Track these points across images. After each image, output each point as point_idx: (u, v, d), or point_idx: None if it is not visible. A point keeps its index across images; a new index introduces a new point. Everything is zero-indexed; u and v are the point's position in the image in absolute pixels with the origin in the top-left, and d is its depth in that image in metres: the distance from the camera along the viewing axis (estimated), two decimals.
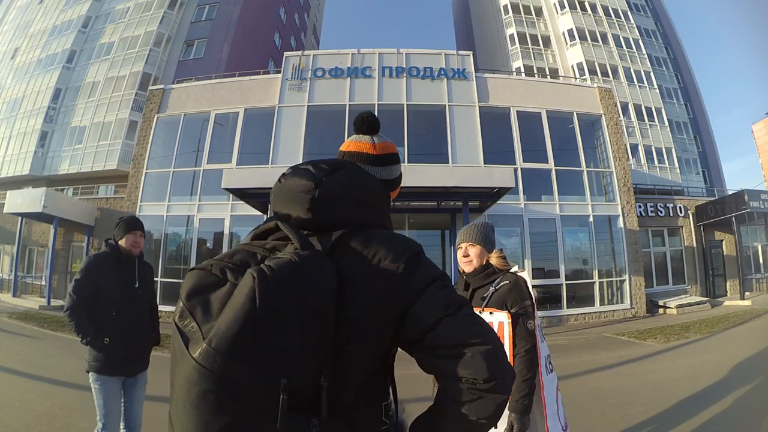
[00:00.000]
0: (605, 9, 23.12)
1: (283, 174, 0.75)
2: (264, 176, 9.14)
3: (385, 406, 0.70)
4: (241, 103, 11.71)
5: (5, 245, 14.45)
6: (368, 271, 0.64)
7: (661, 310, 10.93)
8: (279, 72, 11.97)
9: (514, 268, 1.84)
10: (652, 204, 12.87)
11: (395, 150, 0.93)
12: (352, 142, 0.90)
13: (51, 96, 19.42)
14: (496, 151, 11.18)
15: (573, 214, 11.00)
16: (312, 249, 0.64)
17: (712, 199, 14.03)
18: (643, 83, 21.28)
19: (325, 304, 0.59)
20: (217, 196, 10.63)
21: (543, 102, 11.69)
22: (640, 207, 12.25)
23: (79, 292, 2.18)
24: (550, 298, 10.20)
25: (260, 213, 9.93)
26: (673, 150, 20.17)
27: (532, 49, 23.21)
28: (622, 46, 22.09)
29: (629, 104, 20.36)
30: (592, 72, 20.94)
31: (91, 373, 2.18)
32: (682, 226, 13.12)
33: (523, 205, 10.54)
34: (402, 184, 0.97)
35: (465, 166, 10.44)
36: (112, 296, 2.23)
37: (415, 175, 8.07)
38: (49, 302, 11.21)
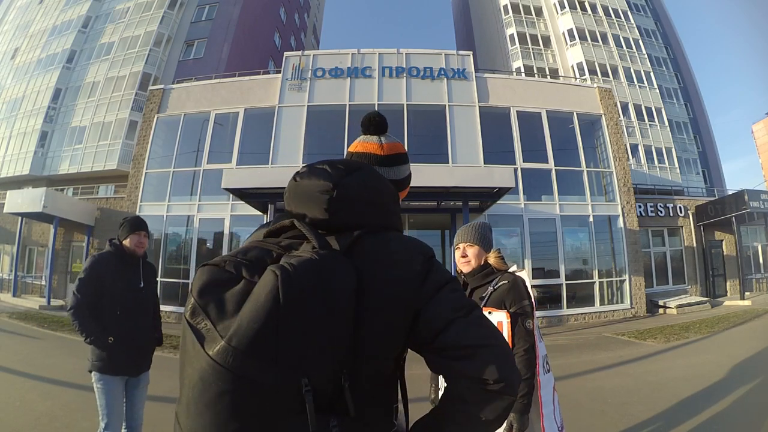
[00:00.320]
0: (605, 9, 23.12)
1: (298, 173, 0.74)
2: (264, 176, 9.15)
3: (395, 408, 0.71)
4: (241, 103, 11.71)
5: (5, 245, 14.45)
6: (384, 273, 0.64)
7: (661, 310, 10.93)
8: (279, 72, 11.96)
9: (513, 268, 1.84)
10: (652, 204, 12.87)
11: (403, 150, 0.93)
12: (360, 143, 0.90)
13: (51, 96, 19.42)
14: (496, 151, 11.18)
15: (573, 214, 11.00)
16: (330, 249, 0.64)
17: (712, 199, 14.03)
18: (643, 83, 21.29)
19: (346, 304, 0.59)
20: (217, 196, 10.62)
21: (543, 102, 11.69)
22: (640, 207, 12.25)
23: (84, 290, 2.18)
24: (550, 298, 10.20)
25: (260, 213, 9.93)
26: (673, 150, 20.17)
27: (532, 49, 23.21)
28: (622, 46, 22.10)
29: (629, 104, 20.37)
30: (592, 72, 20.95)
31: (93, 373, 2.17)
32: (682, 226, 13.12)
33: (523, 205, 10.54)
34: None
35: (465, 166, 10.44)
36: (116, 296, 2.23)
37: (415, 175, 7.92)
38: (49, 302, 11.21)
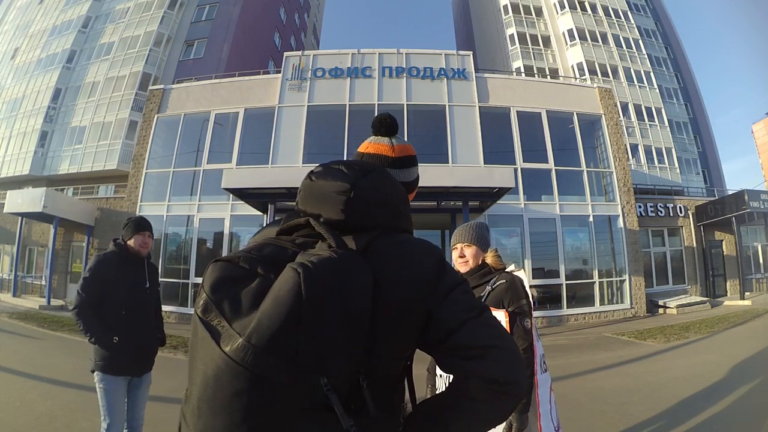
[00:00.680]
0: (605, 9, 23.12)
1: (313, 172, 0.74)
2: (264, 176, 9.15)
3: (403, 407, 0.71)
4: (241, 103, 11.71)
5: (5, 245, 14.45)
6: (398, 274, 0.65)
7: (661, 310, 10.93)
8: (279, 72, 11.96)
9: (511, 267, 1.85)
10: (652, 204, 12.87)
11: (413, 152, 0.93)
12: (371, 144, 0.90)
13: (51, 96, 19.42)
14: (496, 151, 11.18)
15: (573, 214, 11.00)
16: (348, 249, 0.64)
17: (712, 199, 14.04)
18: (643, 83, 21.29)
19: (364, 303, 0.59)
20: (217, 196, 10.62)
21: (543, 102, 11.69)
22: (640, 207, 12.25)
23: (88, 290, 2.18)
24: (550, 298, 10.20)
25: (260, 213, 9.93)
26: (673, 150, 20.17)
27: (532, 49, 23.21)
28: (622, 46, 22.10)
29: (629, 104, 20.37)
30: (592, 72, 20.95)
31: (96, 373, 2.17)
32: (682, 226, 13.12)
33: (523, 205, 10.54)
34: None
35: (465, 166, 10.45)
36: (121, 296, 2.23)
37: None
38: (49, 302, 11.21)
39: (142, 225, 2.37)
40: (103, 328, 2.16)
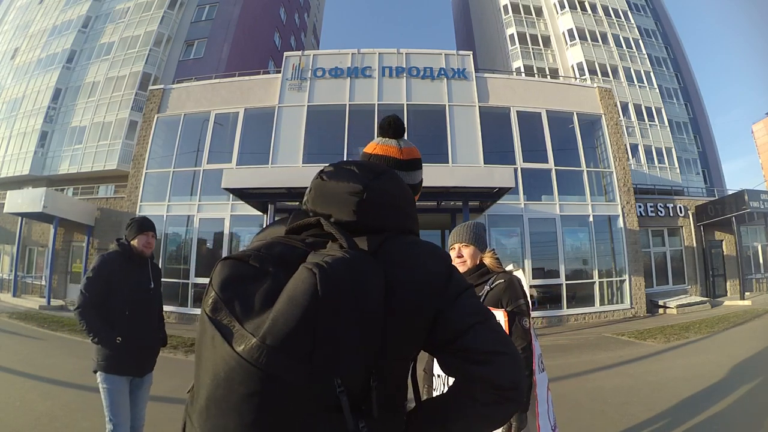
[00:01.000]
0: (605, 9, 23.12)
1: (324, 172, 0.74)
2: (264, 176, 9.16)
3: (406, 406, 0.72)
4: (241, 103, 11.71)
5: (5, 245, 14.45)
6: (408, 276, 0.65)
7: (661, 310, 10.93)
8: (279, 72, 11.96)
9: (509, 267, 1.86)
10: (652, 204, 12.87)
11: (419, 155, 0.94)
12: (379, 146, 0.90)
13: (51, 96, 19.42)
14: (496, 151, 11.18)
15: (573, 214, 11.00)
16: (360, 249, 0.64)
17: (712, 199, 14.04)
18: (643, 83, 21.29)
19: (377, 304, 0.59)
20: (217, 196, 10.62)
21: (543, 102, 11.69)
22: (640, 207, 12.26)
23: (91, 289, 2.18)
24: (550, 298, 10.19)
25: (260, 213, 9.93)
26: (673, 150, 20.17)
27: (532, 49, 23.21)
28: (622, 46, 22.10)
29: (629, 104, 20.37)
30: (592, 72, 20.94)
31: (99, 373, 2.16)
32: (682, 226, 13.12)
33: (523, 205, 10.54)
34: None
35: (465, 166, 10.44)
36: (125, 296, 2.22)
37: None
38: (49, 302, 11.21)
39: (145, 225, 2.37)
40: (107, 328, 2.16)
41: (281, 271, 0.58)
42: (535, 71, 21.88)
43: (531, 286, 9.82)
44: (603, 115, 11.92)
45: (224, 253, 10.37)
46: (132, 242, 2.34)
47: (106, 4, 21.35)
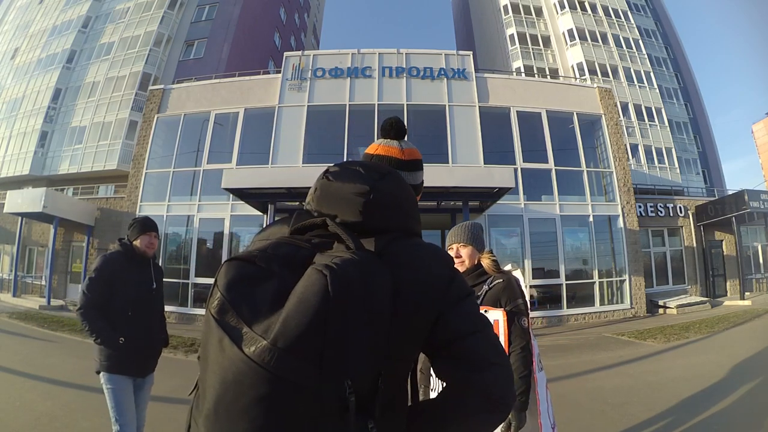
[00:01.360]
0: (605, 9, 23.12)
1: (329, 172, 0.73)
2: (264, 176, 9.15)
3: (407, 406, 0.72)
4: (241, 103, 11.71)
5: (5, 245, 14.45)
6: (413, 277, 0.65)
7: (661, 310, 10.93)
8: (279, 72, 11.96)
9: (507, 267, 1.87)
10: (652, 204, 12.87)
11: (420, 156, 0.95)
12: (381, 146, 0.91)
13: (51, 96, 19.42)
14: (496, 151, 11.18)
15: (573, 214, 11.00)
16: (367, 251, 0.63)
17: (712, 199, 14.04)
18: (643, 83, 21.29)
19: (385, 305, 0.59)
20: (217, 196, 10.62)
21: (543, 102, 11.69)
22: (640, 207, 12.26)
23: (93, 290, 2.17)
24: (550, 298, 10.19)
25: (260, 213, 9.93)
26: (673, 150, 20.17)
27: (532, 49, 23.21)
28: (622, 46, 22.10)
29: (629, 104, 20.37)
30: (592, 72, 20.94)
31: (102, 374, 2.15)
32: (682, 226, 13.12)
33: (523, 205, 10.54)
34: None
35: (465, 166, 10.44)
36: (127, 296, 2.22)
37: None
38: (49, 302, 11.21)
39: (148, 225, 2.37)
40: (109, 329, 2.15)
41: (287, 271, 0.57)
42: (535, 71, 21.88)
43: (531, 286, 9.82)
44: (603, 115, 11.92)
45: (224, 253, 10.38)
46: (134, 242, 2.34)
47: (106, 4, 21.35)
